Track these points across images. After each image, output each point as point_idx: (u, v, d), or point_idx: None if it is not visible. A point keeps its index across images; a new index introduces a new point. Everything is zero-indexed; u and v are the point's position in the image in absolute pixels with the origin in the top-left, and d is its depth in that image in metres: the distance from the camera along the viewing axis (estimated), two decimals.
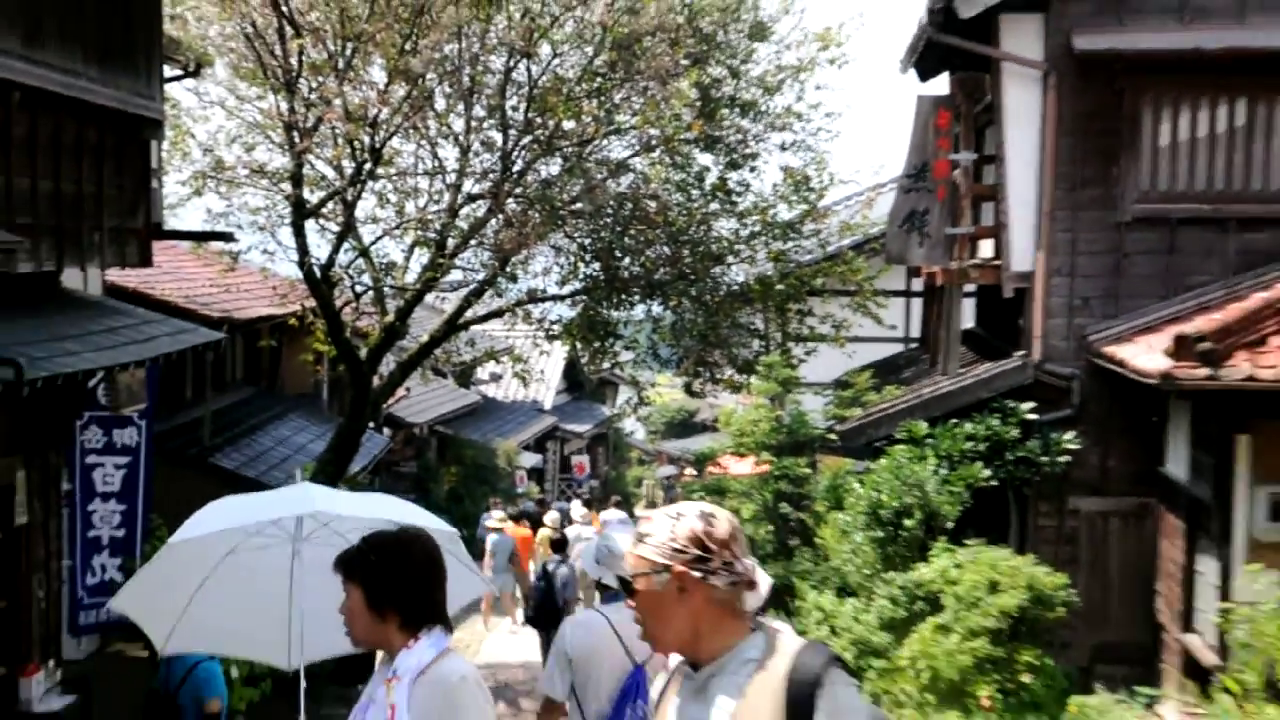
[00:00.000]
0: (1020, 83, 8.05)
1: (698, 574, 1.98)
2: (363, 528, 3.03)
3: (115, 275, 7.05)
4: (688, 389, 12.91)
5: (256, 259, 10.46)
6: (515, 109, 9.52)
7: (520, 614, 11.41)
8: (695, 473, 20.10)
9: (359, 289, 10.20)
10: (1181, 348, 6.30)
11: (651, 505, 22.28)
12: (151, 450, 6.91)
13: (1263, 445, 6.41)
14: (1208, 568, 6.87)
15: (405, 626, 2.62)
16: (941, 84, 9.56)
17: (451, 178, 9.86)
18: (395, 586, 2.61)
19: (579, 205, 9.61)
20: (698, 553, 1.98)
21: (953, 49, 8.29)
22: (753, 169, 10.38)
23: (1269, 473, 6.43)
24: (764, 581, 2.07)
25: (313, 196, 9.38)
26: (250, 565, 3.69)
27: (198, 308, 8.67)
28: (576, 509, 14.42)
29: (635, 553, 2.11)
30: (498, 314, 11.27)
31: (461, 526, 10.65)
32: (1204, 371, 6.25)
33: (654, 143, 9.71)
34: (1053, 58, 7.73)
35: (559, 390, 24.49)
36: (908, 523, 7.14)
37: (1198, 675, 6.76)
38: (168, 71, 7.63)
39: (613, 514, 13.97)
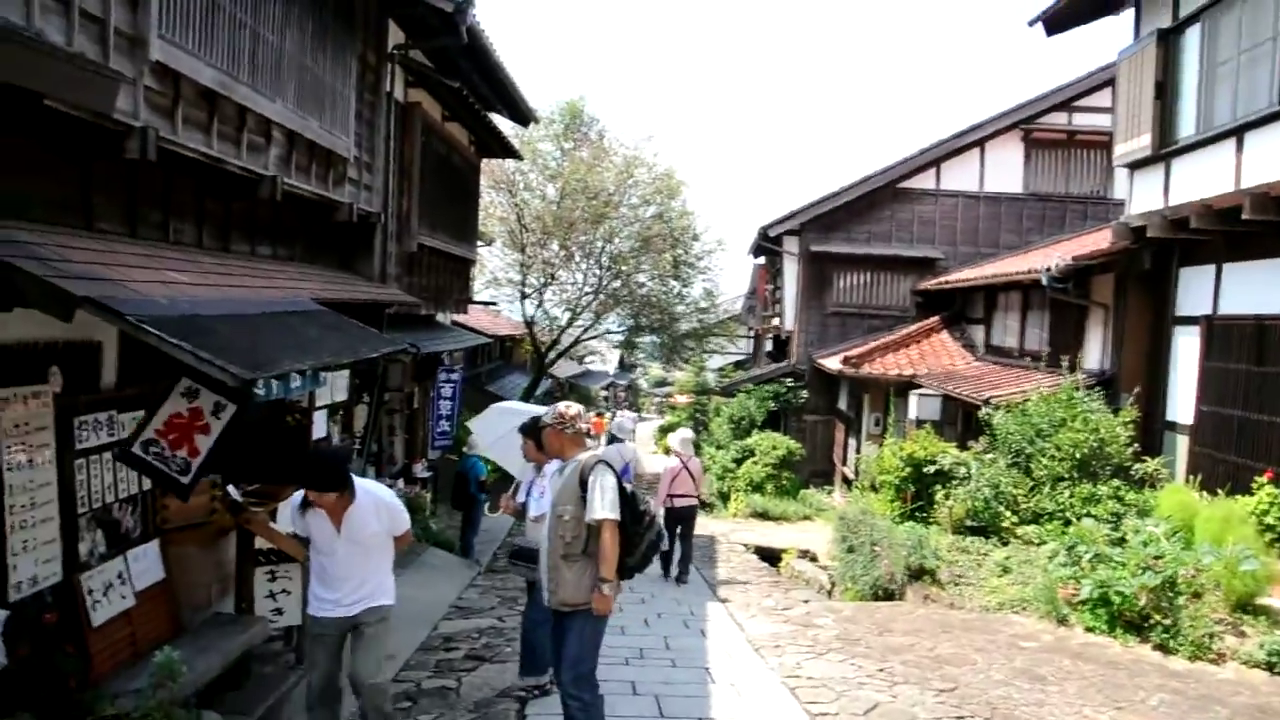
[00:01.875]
0: (790, 260, 19.95)
1: (562, 427, 5.04)
2: (526, 415, 6.72)
3: (455, 316, 15.37)
4: (664, 368, 34.27)
5: (506, 311, 24.97)
6: (605, 260, 23.14)
7: None
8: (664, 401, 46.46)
9: (543, 325, 24.12)
10: (846, 360, 15.12)
11: (638, 409, 52.14)
12: (463, 382, 14.56)
13: (872, 398, 15.18)
14: (852, 443, 16.14)
15: (540, 453, 5.87)
16: (762, 259, 24.88)
17: (580, 284, 23.59)
18: (539, 437, 5.55)
19: (626, 297, 22.75)
20: (562, 420, 5.04)
21: (766, 248, 21.08)
22: (688, 284, 24.11)
23: (873, 407, 15.04)
24: (590, 431, 5.22)
25: (528, 289, 23.00)
26: (505, 427, 7.33)
27: (481, 329, 17.98)
28: (620, 413, 29.21)
29: (545, 420, 5.17)
30: (595, 337, 25.98)
31: None
32: (852, 370, 14.97)
33: (655, 273, 23.17)
34: (802, 252, 19.63)
35: (615, 367, 51.15)
36: (743, 422, 16.69)
37: (847, 483, 15.62)
38: (479, 242, 17.19)
39: (625, 413, 27.04)
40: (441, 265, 13.05)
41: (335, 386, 8.81)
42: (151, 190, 5.96)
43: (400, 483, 12.07)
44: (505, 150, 16.18)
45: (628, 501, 4.88)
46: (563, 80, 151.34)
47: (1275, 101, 8.84)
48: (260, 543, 6.09)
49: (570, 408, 5.18)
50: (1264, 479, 8.85)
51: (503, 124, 15.83)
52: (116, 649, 5.02)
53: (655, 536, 5.02)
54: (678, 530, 11.10)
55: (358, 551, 4.84)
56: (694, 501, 11.36)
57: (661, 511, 10.37)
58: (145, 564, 5.44)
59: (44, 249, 4.22)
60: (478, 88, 12.48)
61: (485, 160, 17.13)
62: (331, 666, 4.93)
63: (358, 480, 4.94)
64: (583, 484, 4.81)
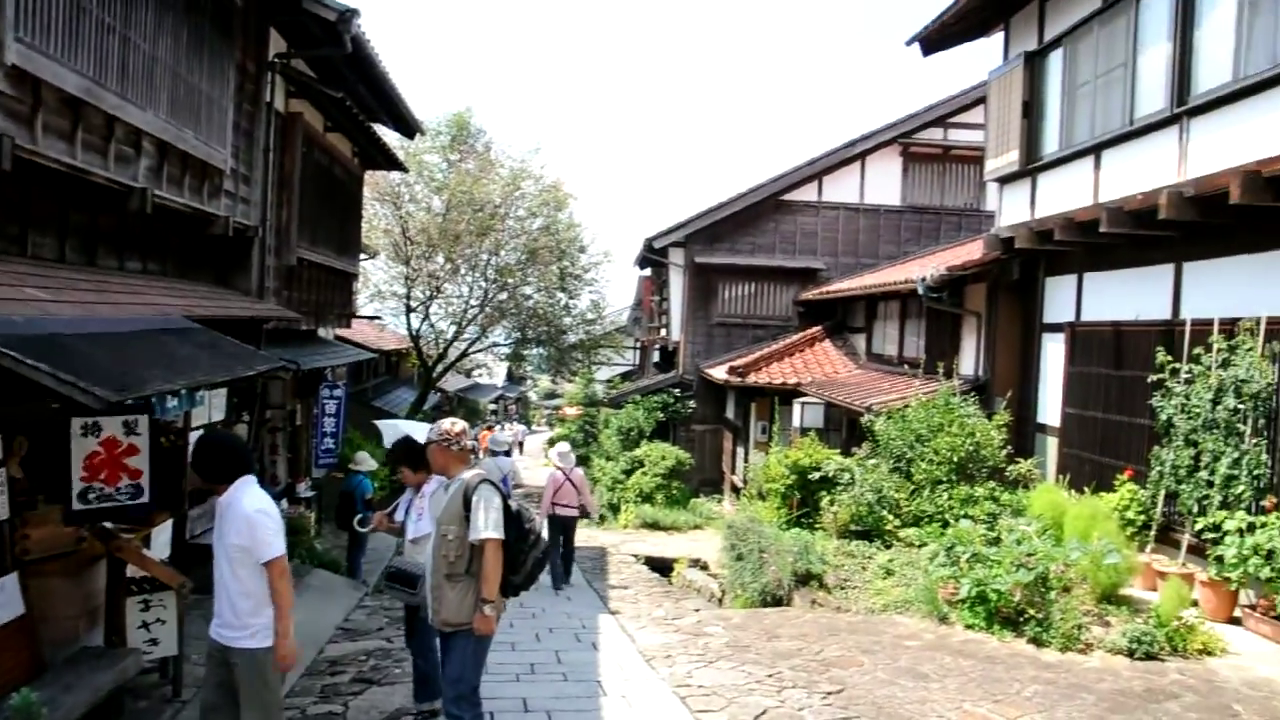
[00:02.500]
0: (676, 271, 20.15)
1: (447, 444, 4.88)
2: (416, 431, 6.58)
3: (338, 331, 15.07)
4: (552, 380, 34.47)
5: (391, 325, 24.51)
6: (491, 273, 23.03)
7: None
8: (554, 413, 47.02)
9: (429, 339, 23.71)
10: (732, 370, 15.38)
11: (529, 423, 53.48)
12: (347, 397, 14.16)
13: (758, 406, 15.53)
14: (740, 451, 16.48)
15: (419, 472, 5.85)
16: (648, 271, 25.16)
17: (466, 296, 23.23)
18: (409, 459, 5.84)
19: (513, 310, 22.71)
20: (447, 437, 4.89)
21: (652, 259, 21.52)
22: (575, 296, 24.22)
23: (759, 415, 15.37)
24: (476, 449, 5.05)
25: (414, 302, 22.37)
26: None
27: (366, 343, 17.53)
28: (501, 426, 31.46)
29: (430, 438, 5.00)
30: (482, 350, 25.89)
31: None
32: (738, 379, 15.25)
33: (542, 285, 23.18)
34: (687, 263, 19.97)
35: (503, 380, 51.25)
36: (632, 433, 16.83)
37: (736, 491, 15.88)
38: (362, 255, 16.91)
39: (509, 427, 29.98)
40: (323, 279, 12.78)
41: (213, 406, 8.52)
42: (8, 202, 5.68)
43: (284, 503, 11.72)
44: (390, 162, 15.95)
45: (513, 519, 4.87)
46: (450, 92, 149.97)
47: (1129, 122, 9.39)
48: (133, 570, 5.82)
49: (455, 424, 5.11)
50: (1124, 476, 9.36)
51: (388, 135, 15.61)
52: None
53: (541, 554, 5.02)
54: (560, 538, 11.86)
55: (223, 562, 4.40)
56: (575, 511, 12.08)
57: (545, 521, 11.37)
58: (2, 599, 5.12)
59: None
60: (362, 98, 12.27)
61: (369, 172, 16.84)
62: (212, 694, 4.52)
63: (246, 485, 4.42)
64: (466, 503, 4.77)
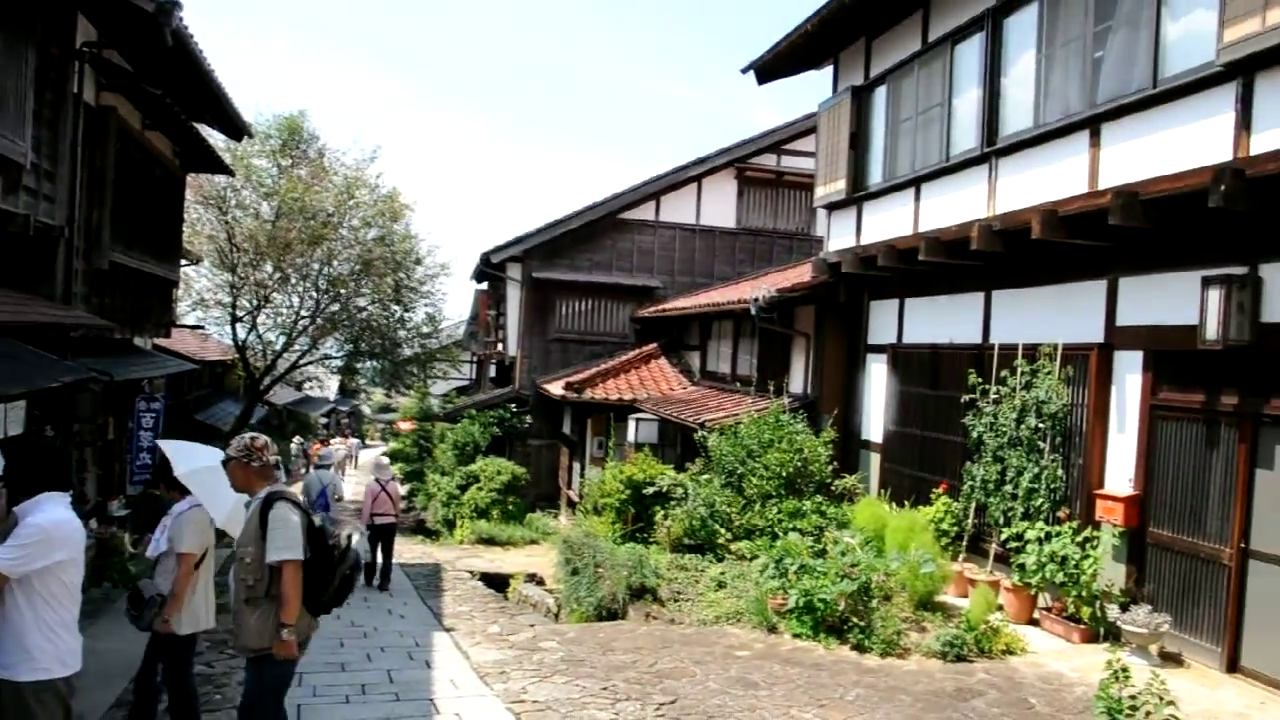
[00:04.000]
0: (514, 285, 20.14)
1: (247, 460, 4.69)
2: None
3: (157, 340, 14.37)
4: (387, 394, 34.83)
5: (215, 336, 23.31)
6: (323, 283, 22.10)
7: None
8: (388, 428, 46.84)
9: (256, 350, 22.47)
10: (569, 386, 15.49)
11: (363, 437, 52.32)
12: (164, 410, 13.43)
13: (595, 422, 15.71)
14: (576, 466, 16.64)
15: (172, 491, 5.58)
16: (485, 285, 25.56)
17: (296, 307, 22.30)
18: (165, 476, 5.66)
19: (346, 321, 22.07)
20: (248, 452, 4.69)
21: (489, 273, 21.28)
22: (410, 309, 24.05)
23: (596, 431, 15.55)
24: (279, 463, 6.96)
25: (240, 312, 21.03)
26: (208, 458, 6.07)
27: (188, 354, 16.56)
28: (337, 441, 31.29)
29: (230, 453, 4.75)
30: (313, 362, 25.01)
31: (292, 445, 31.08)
32: (574, 394, 15.37)
33: (376, 297, 22.71)
34: (525, 278, 20.00)
35: (336, 393, 49.99)
36: (468, 448, 16.72)
37: (572, 506, 15.99)
38: (183, 261, 15.92)
39: (345, 441, 30.47)
40: (139, 285, 12.10)
41: (9, 419, 7.91)
42: None
43: (93, 523, 10.98)
44: (214, 164, 15.26)
45: (315, 536, 4.69)
46: (283, 94, 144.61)
47: (945, 158, 10.01)
48: None
49: (257, 439, 4.88)
50: (940, 490, 9.93)
51: (213, 136, 14.93)
52: None
53: (350, 569, 4.80)
54: (379, 545, 12.56)
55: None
56: (393, 519, 13.03)
57: (365, 530, 10.81)
58: None
59: None
60: (185, 96, 11.70)
61: (192, 174, 16.05)
62: None
63: (43, 501, 3.99)
64: (265, 523, 4.57)
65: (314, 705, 6.75)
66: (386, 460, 14.52)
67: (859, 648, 7.98)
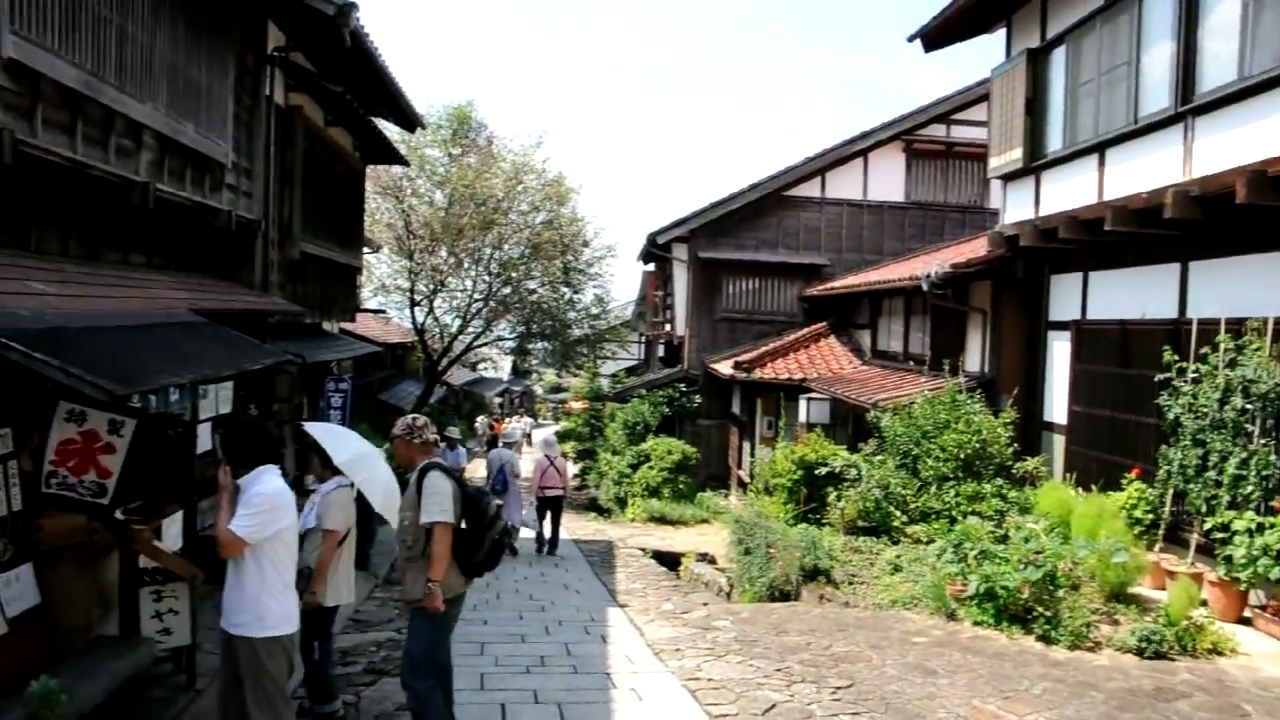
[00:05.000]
0: (680, 266, 20.35)
1: (410, 437, 5.27)
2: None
3: (343, 324, 15.19)
4: (558, 374, 35.31)
5: (396, 319, 25.10)
6: (495, 267, 23.26)
7: None
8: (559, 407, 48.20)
9: (434, 333, 23.93)
10: (737, 365, 15.39)
11: (534, 416, 51.31)
12: (354, 391, 13.96)
13: (764, 402, 15.51)
14: (746, 446, 16.49)
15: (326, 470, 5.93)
16: (652, 266, 25.41)
17: (470, 290, 23.58)
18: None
19: (517, 304, 23.04)
20: (410, 430, 5.26)
21: (656, 254, 21.51)
22: (579, 291, 24.53)
23: (765, 411, 15.36)
24: (437, 440, 6.68)
25: (418, 296, 22.57)
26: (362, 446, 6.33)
27: (371, 337, 17.47)
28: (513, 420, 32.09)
29: (395, 432, 5.33)
30: (487, 344, 26.36)
31: (471, 423, 33.89)
32: (744, 374, 15.26)
33: (546, 280, 23.43)
34: (691, 258, 20.09)
35: (509, 374, 52.18)
36: (638, 427, 16.84)
37: (742, 486, 15.88)
38: (365, 249, 16.77)
39: (520, 420, 30.58)
40: (327, 273, 12.73)
41: (219, 399, 8.49)
42: (10, 196, 5.64)
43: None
44: (391, 156, 15.91)
45: (469, 503, 5.11)
46: (451, 85, 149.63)
47: (1133, 120, 9.34)
48: (145, 561, 5.82)
49: (418, 419, 5.41)
50: (1132, 475, 9.31)
51: (389, 129, 15.56)
52: None
53: (500, 535, 5.19)
54: (547, 515, 13.73)
55: None
56: (560, 491, 14.04)
57: (535, 501, 13.66)
58: (18, 588, 5.13)
59: None
60: (363, 92, 12.21)
61: (371, 166, 16.79)
62: (226, 683, 4.57)
63: (265, 473, 4.48)
64: (419, 489, 4.99)
65: (496, 674, 6.98)
66: (554, 438, 15.70)
67: (1045, 638, 7.61)
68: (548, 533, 13.80)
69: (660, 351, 26.23)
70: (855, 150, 20.76)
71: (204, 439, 7.78)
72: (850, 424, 15.08)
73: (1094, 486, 9.82)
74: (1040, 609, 7.79)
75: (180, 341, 5.98)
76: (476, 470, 21.91)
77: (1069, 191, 10.47)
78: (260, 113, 9.46)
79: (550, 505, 13.81)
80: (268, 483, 4.45)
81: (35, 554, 5.39)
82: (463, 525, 5.13)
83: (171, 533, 6.39)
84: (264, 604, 4.40)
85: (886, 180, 20.93)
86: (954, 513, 10.31)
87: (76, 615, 5.78)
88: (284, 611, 4.49)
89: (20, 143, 5.03)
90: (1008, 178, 11.96)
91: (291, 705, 4.75)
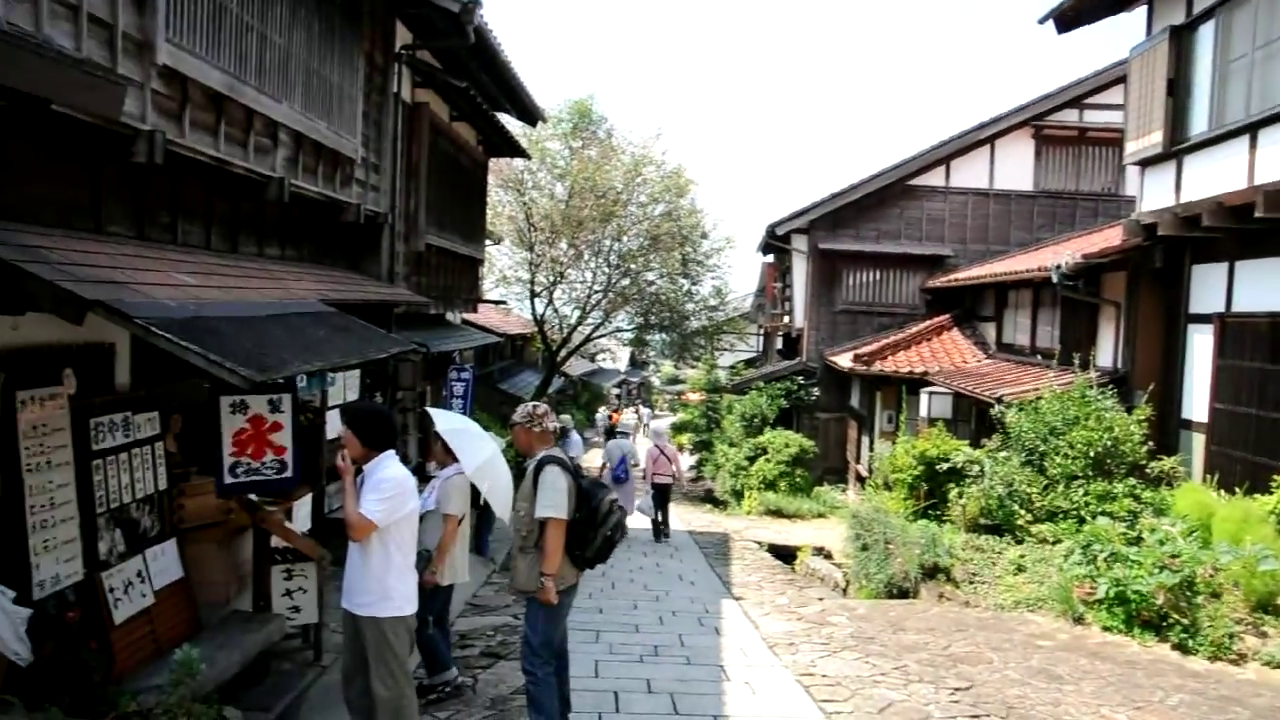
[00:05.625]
0: (799, 257, 20.14)
1: (529, 424, 5.28)
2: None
3: (465, 315, 15.57)
4: (675, 366, 35.19)
5: (516, 310, 25.36)
6: (614, 258, 23.36)
7: None
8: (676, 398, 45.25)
9: (553, 323, 24.38)
10: (857, 358, 15.07)
11: (652, 407, 50.84)
12: (474, 379, 14.40)
13: (884, 395, 15.14)
14: (865, 440, 16.08)
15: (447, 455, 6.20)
16: (771, 257, 25.35)
17: (589, 282, 23.80)
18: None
19: (636, 295, 23.09)
20: (530, 418, 5.28)
21: (775, 245, 21.52)
22: (697, 282, 24.61)
23: (885, 405, 15.01)
24: (557, 430, 5.48)
25: (538, 287, 23.01)
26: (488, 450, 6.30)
27: (492, 327, 17.88)
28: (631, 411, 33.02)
29: (515, 419, 5.37)
30: (605, 335, 26.66)
31: (589, 413, 35.87)
32: (863, 367, 14.94)
33: (665, 271, 23.47)
34: (811, 249, 19.75)
35: (626, 365, 52.33)
36: (755, 419, 16.70)
37: (860, 480, 15.55)
38: (487, 241, 17.32)
39: (640, 410, 31.45)
40: (450, 264, 13.03)
41: (347, 386, 8.81)
42: (159, 193, 5.96)
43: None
44: (513, 150, 16.15)
45: (583, 498, 5.10)
46: (571, 79, 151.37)
47: None
48: (276, 541, 6.10)
49: (539, 407, 5.42)
50: None
51: (511, 123, 15.80)
52: (138, 646, 5.04)
53: (612, 530, 5.18)
54: (660, 499, 14.62)
55: None
56: (670, 479, 14.91)
57: (651, 490, 14.61)
58: (164, 562, 5.46)
59: (54, 253, 4.22)
60: (485, 87, 12.45)
61: (493, 159, 17.10)
62: (350, 661, 4.76)
63: (389, 458, 4.67)
64: (535, 483, 5.03)
65: (609, 663, 7.05)
66: (663, 427, 16.68)
67: (1181, 648, 7.25)
68: (660, 517, 14.64)
69: (779, 344, 26.00)
70: (982, 138, 20.12)
71: (332, 425, 8.07)
72: (973, 419, 14.64)
73: (1238, 489, 9.28)
74: (1176, 616, 7.43)
75: (311, 330, 6.20)
76: (593, 460, 22.17)
77: (1214, 176, 9.90)
78: (388, 109, 9.74)
79: (662, 490, 14.75)
80: (394, 468, 4.63)
81: (178, 531, 5.72)
82: (576, 517, 5.15)
83: (301, 515, 6.67)
84: (390, 585, 4.57)
85: (1014, 168, 20.20)
86: (1082, 512, 9.90)
87: (214, 590, 6.10)
88: (407, 592, 4.67)
89: (170, 143, 5.30)
90: (1146, 163, 11.39)
91: (413, 682, 4.92)
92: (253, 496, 5.88)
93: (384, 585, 4.56)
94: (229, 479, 5.43)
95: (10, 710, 3.99)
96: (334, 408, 8.28)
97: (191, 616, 5.60)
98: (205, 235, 6.67)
